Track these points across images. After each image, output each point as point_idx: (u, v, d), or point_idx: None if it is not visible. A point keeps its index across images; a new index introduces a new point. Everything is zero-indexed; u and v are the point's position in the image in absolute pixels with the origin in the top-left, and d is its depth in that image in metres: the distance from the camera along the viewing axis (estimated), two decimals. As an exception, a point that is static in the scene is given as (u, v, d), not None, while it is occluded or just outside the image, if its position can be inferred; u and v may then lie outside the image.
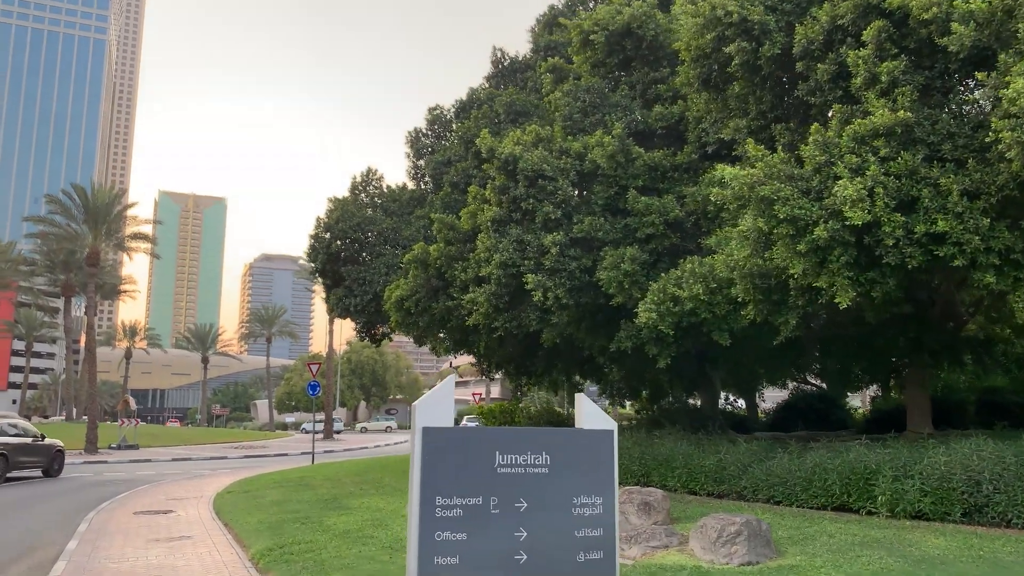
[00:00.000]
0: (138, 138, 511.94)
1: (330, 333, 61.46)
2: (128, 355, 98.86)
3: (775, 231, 11.18)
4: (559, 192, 15.88)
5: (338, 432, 73.80)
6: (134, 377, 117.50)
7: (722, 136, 14.93)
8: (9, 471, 21.51)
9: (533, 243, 15.74)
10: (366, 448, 46.45)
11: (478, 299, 16.50)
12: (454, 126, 24.44)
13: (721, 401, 27.77)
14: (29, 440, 22.64)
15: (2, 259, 68.61)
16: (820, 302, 11.71)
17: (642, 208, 15.41)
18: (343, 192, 25.61)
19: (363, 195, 24.45)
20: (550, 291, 15.13)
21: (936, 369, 20.52)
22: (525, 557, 5.14)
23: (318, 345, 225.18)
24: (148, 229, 50.29)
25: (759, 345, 17.26)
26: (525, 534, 5.18)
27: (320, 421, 80.00)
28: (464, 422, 46.32)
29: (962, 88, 11.94)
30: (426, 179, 25.12)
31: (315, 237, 22.82)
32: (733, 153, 14.69)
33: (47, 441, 23.58)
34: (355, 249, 22.80)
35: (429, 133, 25.78)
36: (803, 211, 10.85)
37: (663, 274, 14.32)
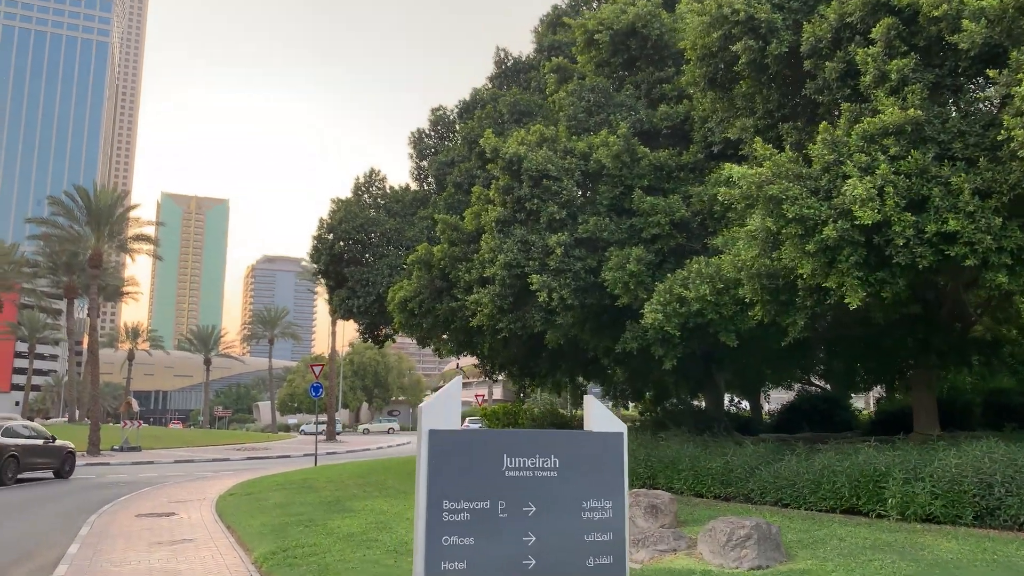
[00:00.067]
0: (141, 140, 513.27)
1: (332, 335, 61.39)
2: (131, 357, 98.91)
3: (783, 231, 11.06)
4: (564, 192, 15.77)
5: (338, 433, 73.69)
6: (136, 379, 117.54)
7: (728, 135, 14.81)
8: (21, 472, 21.71)
9: (538, 243, 15.62)
10: (368, 450, 46.35)
11: (482, 300, 16.39)
12: (457, 126, 24.34)
13: (725, 403, 27.65)
14: (40, 442, 22.81)
15: (5, 261, 68.63)
16: (829, 303, 11.58)
17: (648, 208, 15.29)
18: (346, 193, 25.57)
19: (366, 196, 24.36)
20: (555, 292, 15.02)
21: (943, 370, 20.38)
22: (534, 562, 5.05)
23: (320, 347, 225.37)
24: (150, 230, 50.32)
25: (765, 346, 17.13)
26: (534, 538, 5.09)
27: (321, 423, 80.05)
28: (467, 424, 46.22)
29: (972, 86, 11.81)
30: (429, 180, 25.02)
31: (318, 238, 22.72)
32: (740, 153, 14.57)
33: (58, 443, 23.74)
34: (358, 250, 22.70)
35: (432, 134, 25.68)
36: (812, 211, 10.73)
37: (669, 275, 14.19)
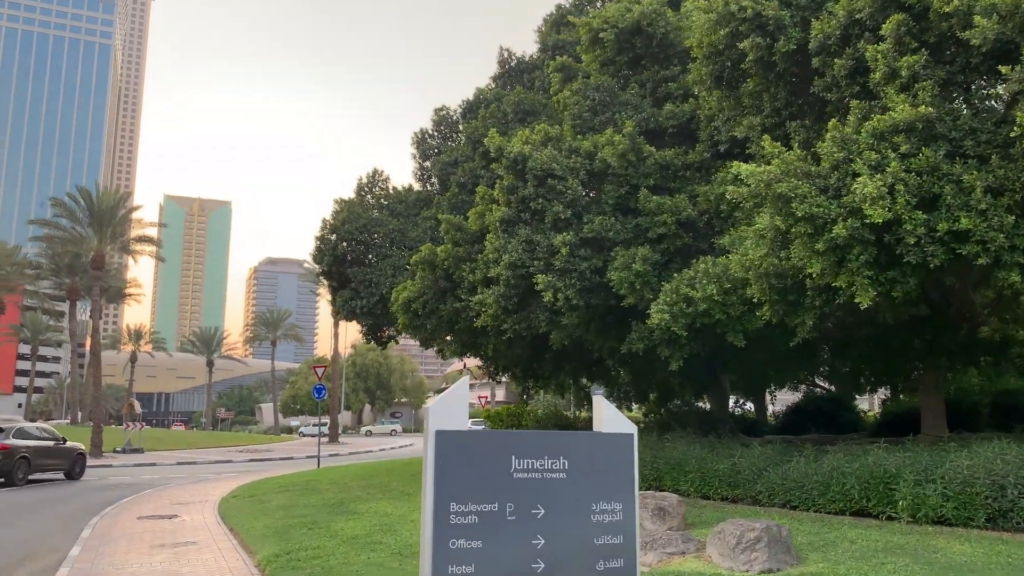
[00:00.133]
0: (143, 142, 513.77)
1: (335, 336, 61.32)
2: (133, 359, 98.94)
3: (792, 229, 10.93)
4: (569, 191, 15.64)
5: (340, 435, 73.59)
6: (139, 381, 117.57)
7: (735, 134, 14.67)
8: (31, 473, 21.97)
9: (542, 243, 15.50)
10: (371, 451, 46.24)
11: (486, 300, 16.26)
12: (461, 127, 24.24)
13: (730, 404, 27.50)
14: (51, 443, 23.11)
15: (7, 262, 68.65)
16: (838, 302, 11.45)
17: (654, 207, 15.16)
18: (348, 194, 25.44)
19: (369, 196, 24.25)
20: (560, 292, 14.89)
21: (951, 371, 20.23)
22: (543, 566, 4.94)
23: (323, 348, 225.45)
24: (153, 232, 50.25)
25: (772, 347, 16.99)
26: (543, 542, 4.99)
27: (320, 424, 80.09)
28: (470, 426, 46.02)
29: (984, 82, 11.68)
30: (432, 180, 24.92)
31: (321, 239, 22.62)
32: (747, 152, 14.44)
33: (68, 444, 24.09)
34: (361, 251, 22.58)
35: (435, 134, 25.59)
36: (821, 209, 10.59)
37: (675, 274, 14.07)
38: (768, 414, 31.50)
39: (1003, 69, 10.08)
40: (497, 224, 16.35)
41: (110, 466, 31.65)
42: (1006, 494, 10.20)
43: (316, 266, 24.29)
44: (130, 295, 75.30)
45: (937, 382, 17.71)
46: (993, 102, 11.47)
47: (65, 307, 74.93)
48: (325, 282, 27.12)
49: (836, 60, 11.90)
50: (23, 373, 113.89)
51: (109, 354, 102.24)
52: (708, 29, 13.48)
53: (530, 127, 17.80)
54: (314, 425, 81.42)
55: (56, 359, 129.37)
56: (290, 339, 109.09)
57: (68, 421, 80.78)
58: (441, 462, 4.77)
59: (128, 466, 32.06)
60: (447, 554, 4.64)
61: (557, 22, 24.37)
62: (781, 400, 36.90)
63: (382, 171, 25.00)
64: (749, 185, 11.24)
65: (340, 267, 22.54)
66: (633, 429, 5.64)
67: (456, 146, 23.84)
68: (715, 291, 13.02)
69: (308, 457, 37.15)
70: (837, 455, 12.83)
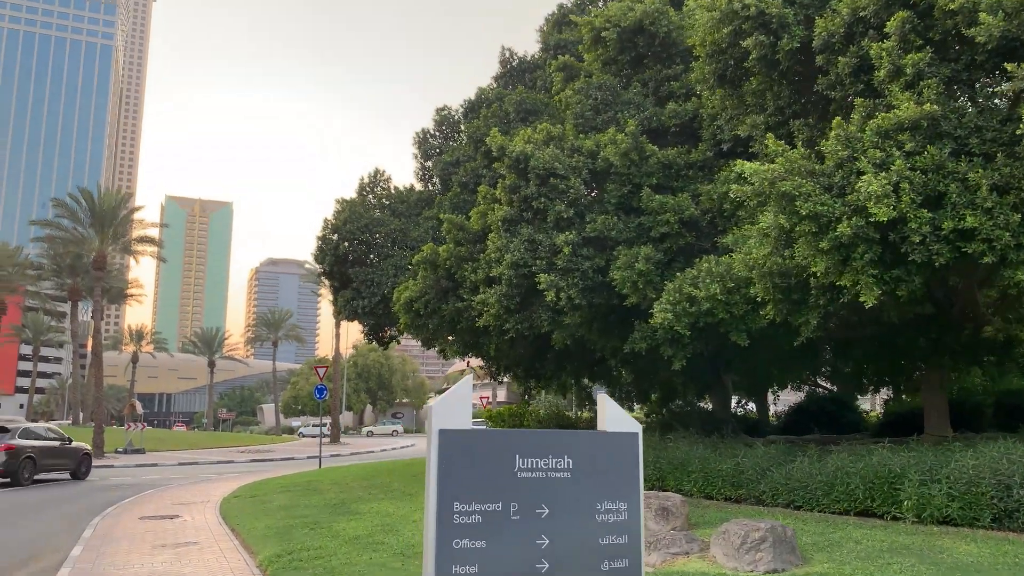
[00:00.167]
0: (144, 143, 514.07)
1: (336, 336, 61.26)
2: (134, 359, 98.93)
3: (797, 228, 10.88)
4: (571, 191, 15.59)
5: (342, 435, 73.55)
6: (140, 381, 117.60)
7: (738, 133, 14.61)
8: (37, 473, 22.17)
9: (545, 242, 15.45)
10: (372, 452, 46.20)
11: (489, 300, 16.21)
12: (462, 126, 24.18)
13: (732, 404, 27.42)
14: (57, 443, 23.29)
15: (9, 263, 68.64)
16: (842, 301, 11.39)
17: (656, 206, 15.11)
18: (349, 195, 25.36)
19: (371, 196, 24.19)
20: (563, 291, 14.84)
21: (955, 371, 20.16)
22: (547, 565, 4.89)
23: (324, 349, 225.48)
24: (154, 232, 50.17)
25: (775, 347, 16.94)
26: (547, 542, 4.93)
27: (320, 425, 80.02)
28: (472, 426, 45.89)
29: (989, 80, 11.62)
30: (434, 180, 24.87)
31: (322, 239, 22.56)
32: (750, 150, 14.38)
33: (74, 444, 24.33)
34: (363, 250, 22.53)
35: (437, 134, 25.53)
36: (826, 207, 10.54)
37: (678, 274, 14.01)
38: (770, 414, 31.43)
39: (1009, 66, 10.02)
40: (499, 223, 16.29)
41: (112, 466, 31.60)
42: (1012, 494, 10.14)
43: (317, 266, 24.23)
44: (132, 296, 75.26)
45: (941, 382, 17.65)
46: (998, 100, 11.40)
47: (67, 308, 74.86)
48: (327, 282, 27.03)
49: (840, 58, 11.84)
50: (25, 374, 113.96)
51: (111, 355, 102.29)
52: (711, 27, 13.42)
53: (532, 126, 17.75)
54: (314, 426, 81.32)
55: (58, 360, 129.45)
56: (291, 340, 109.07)
57: (70, 422, 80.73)
58: (444, 461, 4.73)
59: (130, 466, 32.02)
60: (451, 554, 4.60)
61: (559, 21, 24.31)
62: (783, 401, 36.80)
63: (384, 171, 24.94)
64: (753, 183, 11.19)
65: (342, 267, 22.49)
66: (638, 428, 5.59)
67: (458, 146, 23.79)
68: (718, 290, 12.96)
69: (309, 458, 37.10)
70: (841, 455, 12.78)
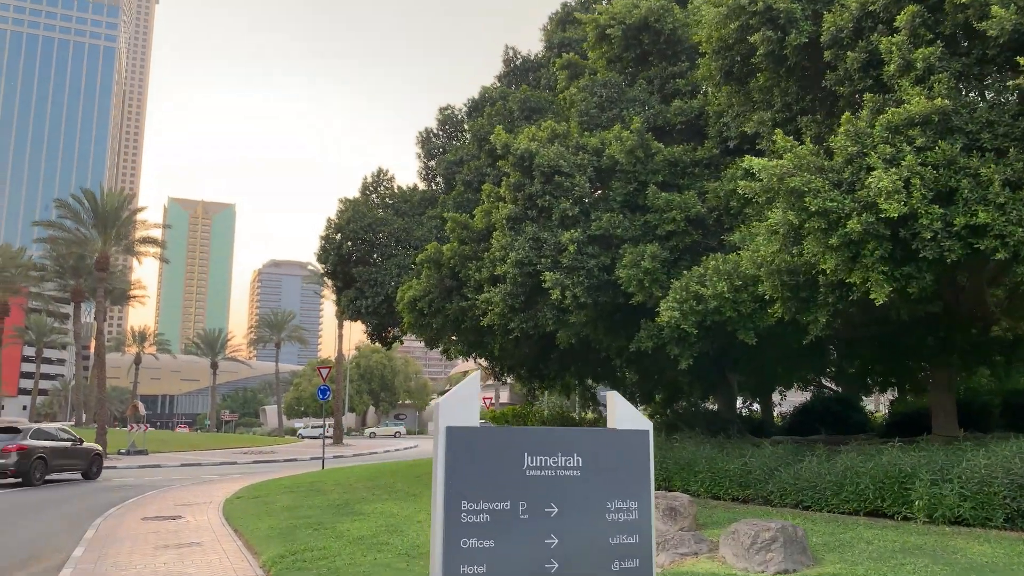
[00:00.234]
0: (147, 145, 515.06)
1: (339, 338, 61.19)
2: (137, 361, 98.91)
3: (806, 224, 10.74)
4: (576, 188, 15.46)
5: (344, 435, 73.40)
6: (143, 383, 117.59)
7: (745, 130, 14.48)
8: (48, 473, 22.38)
9: (550, 241, 15.32)
10: (375, 453, 46.09)
11: (493, 299, 16.09)
12: (466, 125, 24.09)
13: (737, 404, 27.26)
14: (68, 444, 23.53)
15: (12, 264, 68.66)
16: (852, 299, 11.25)
17: (662, 204, 14.98)
18: (351, 195, 25.23)
19: (374, 196, 24.10)
20: (568, 290, 14.71)
21: (963, 370, 20.00)
22: (556, 565, 4.81)
23: (327, 350, 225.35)
24: (157, 233, 50.12)
25: (782, 346, 16.79)
26: (556, 541, 4.85)
27: (320, 426, 79.91)
28: (474, 427, 45.72)
29: (1000, 75, 11.47)
30: (437, 180, 24.77)
31: (326, 238, 22.47)
32: (757, 147, 14.24)
33: (85, 445, 24.59)
34: (366, 250, 22.44)
35: (440, 133, 25.45)
36: (835, 203, 10.40)
37: (685, 272, 13.88)
38: (775, 415, 31.26)
39: (1021, 60, 9.88)
40: (504, 222, 16.17)
41: (114, 468, 31.51)
42: (1025, 493, 10.00)
43: (320, 266, 24.14)
44: (134, 297, 75.19)
45: (949, 381, 17.48)
46: (1010, 95, 11.25)
47: (70, 309, 74.78)
48: (330, 282, 26.95)
49: (849, 53, 11.71)
50: (28, 375, 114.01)
51: (113, 356, 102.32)
52: (718, 23, 13.31)
53: (537, 124, 17.64)
54: (314, 427, 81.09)
55: (60, 361, 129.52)
56: (294, 341, 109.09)
57: (72, 423, 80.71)
58: (452, 459, 4.64)
59: (132, 468, 31.94)
60: (458, 554, 4.52)
61: (563, 20, 24.21)
62: (787, 402, 36.64)
63: (387, 170, 24.85)
64: (761, 180, 11.05)
65: (345, 267, 22.39)
66: (648, 426, 5.50)
67: (461, 145, 23.69)
68: (726, 288, 12.83)
69: (312, 459, 37.00)
70: (850, 455, 12.64)
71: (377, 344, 25.74)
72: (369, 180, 24.38)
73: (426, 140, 25.27)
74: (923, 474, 10.96)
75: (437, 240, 20.20)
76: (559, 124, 16.96)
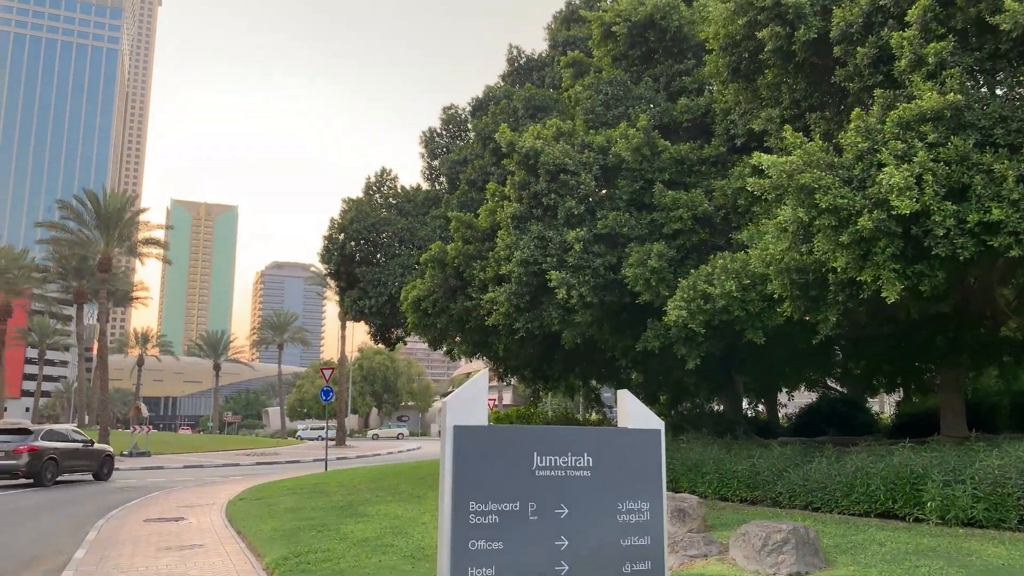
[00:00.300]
0: (150, 147, 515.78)
1: (342, 339, 61.06)
2: (140, 362, 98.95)
3: (816, 222, 10.59)
4: (582, 187, 15.32)
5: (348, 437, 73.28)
6: (146, 384, 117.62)
7: (752, 127, 14.33)
8: (60, 474, 22.57)
9: (555, 240, 15.18)
10: (379, 455, 45.96)
11: (498, 298, 15.95)
12: (470, 124, 23.97)
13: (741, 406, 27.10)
14: (80, 445, 23.69)
15: (15, 266, 68.62)
16: (862, 297, 11.09)
17: (669, 202, 14.83)
18: (354, 196, 25.10)
19: (377, 195, 23.98)
20: (574, 289, 14.56)
21: (972, 370, 19.83)
22: (567, 568, 4.72)
23: (329, 352, 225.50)
24: (160, 234, 50.18)
25: (789, 346, 16.65)
26: (566, 543, 4.74)
27: (319, 428, 79.81)
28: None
29: (1013, 69, 11.31)
30: (441, 179, 24.65)
31: (329, 238, 22.35)
32: (765, 145, 14.09)
33: (96, 446, 24.76)
34: (369, 250, 22.31)
35: (444, 133, 25.33)
36: (846, 200, 10.25)
37: (692, 271, 13.73)
38: (780, 416, 31.08)
39: (1035, 55, 9.74)
40: (509, 220, 16.03)
41: (117, 469, 31.25)
42: (1040, 495, 9.84)
43: (323, 266, 24.01)
44: (137, 298, 75.17)
45: (958, 382, 17.33)
46: (1023, 90, 11.10)
47: (72, 311, 74.80)
48: (332, 283, 26.84)
49: (859, 48, 11.56)
50: (30, 377, 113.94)
51: (116, 358, 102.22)
52: (726, 19, 13.17)
53: (542, 122, 17.50)
54: (312, 429, 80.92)
55: (63, 363, 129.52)
56: (297, 343, 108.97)
57: (75, 425, 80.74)
58: (460, 459, 4.54)
59: (135, 469, 31.83)
60: (466, 556, 4.42)
61: (567, 18, 24.09)
62: (792, 403, 36.45)
63: (390, 170, 24.73)
64: (771, 176, 10.91)
65: (348, 267, 22.27)
66: (660, 425, 5.40)
67: (465, 144, 23.57)
68: (734, 287, 12.68)
69: (315, 460, 36.89)
70: (860, 455, 12.49)
71: (380, 345, 25.62)
72: (372, 180, 24.28)
73: (429, 140, 25.16)
74: (935, 475, 10.80)
75: (441, 240, 20.07)
76: (564, 122, 16.83)
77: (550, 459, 4.81)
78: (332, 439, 57.46)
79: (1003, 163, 9.89)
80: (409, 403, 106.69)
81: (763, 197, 11.74)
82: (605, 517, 4.89)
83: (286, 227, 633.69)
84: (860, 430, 25.13)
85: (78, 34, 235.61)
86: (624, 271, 14.47)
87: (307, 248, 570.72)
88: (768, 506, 13.14)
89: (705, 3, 17.37)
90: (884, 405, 56.77)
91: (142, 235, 48.15)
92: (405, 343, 26.46)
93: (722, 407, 24.85)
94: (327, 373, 33.21)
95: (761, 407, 30.97)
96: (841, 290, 11.31)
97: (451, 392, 5.03)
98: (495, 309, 16.35)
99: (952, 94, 10.06)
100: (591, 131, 16.59)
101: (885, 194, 9.91)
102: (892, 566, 8.34)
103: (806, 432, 25.07)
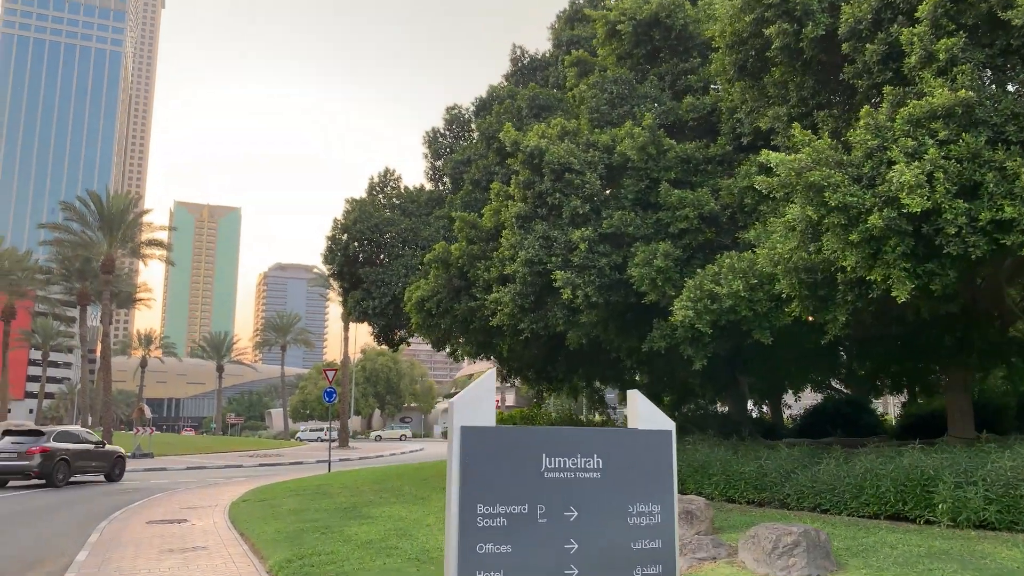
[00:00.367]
0: (154, 150, 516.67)
1: (345, 340, 60.97)
2: (143, 364, 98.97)
3: (825, 220, 10.46)
4: (587, 186, 15.20)
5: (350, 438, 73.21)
6: (149, 386, 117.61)
7: (759, 126, 14.19)
8: (72, 475, 22.85)
9: (560, 239, 15.06)
10: (382, 456, 45.86)
11: (502, 299, 15.83)
12: (473, 124, 23.88)
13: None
14: (91, 446, 24.01)
15: (19, 268, 68.63)
16: (872, 297, 10.95)
17: (675, 202, 14.70)
18: (357, 196, 25.02)
19: (381, 196, 23.89)
20: (579, 289, 14.43)
21: (980, 371, 19.67)
22: (576, 571, 4.63)
23: (332, 354, 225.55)
24: (163, 236, 50.17)
25: (795, 346, 16.52)
26: (576, 546, 4.65)
27: (318, 429, 79.69)
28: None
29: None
30: (444, 179, 24.56)
31: (332, 238, 22.25)
32: (771, 143, 13.96)
33: (108, 447, 25.12)
34: (373, 250, 22.22)
35: (447, 133, 25.24)
36: (856, 198, 10.11)
37: (699, 270, 13.60)
38: (784, 417, 30.94)
39: (1047, 51, 9.61)
40: (513, 220, 15.92)
41: (119, 470, 31.31)
42: (1054, 497, 9.71)
43: (327, 267, 23.91)
44: (140, 300, 75.15)
45: (966, 382, 17.17)
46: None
47: (75, 312, 74.78)
48: (336, 284, 26.73)
49: (868, 45, 11.43)
50: (34, 379, 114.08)
51: (119, 359, 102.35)
52: (732, 17, 13.06)
53: (546, 122, 17.39)
54: (312, 431, 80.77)
55: (67, 365, 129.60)
56: (300, 344, 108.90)
57: (80, 426, 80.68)
58: (467, 460, 4.44)
59: (138, 471, 31.74)
60: (474, 559, 4.33)
61: (571, 17, 23.98)
62: (796, 404, 36.29)
63: (394, 170, 24.64)
64: (779, 174, 10.78)
65: (352, 267, 22.17)
66: (671, 425, 5.30)
67: (469, 144, 23.47)
68: (741, 287, 12.55)
69: (318, 462, 36.79)
70: (869, 457, 12.35)
71: (383, 346, 25.54)
72: (376, 180, 24.19)
73: (433, 140, 25.07)
74: (946, 477, 10.67)
75: (445, 240, 19.96)
76: (569, 121, 16.71)
77: (559, 460, 4.73)
78: (334, 440, 57.36)
79: (1015, 160, 9.75)
80: (412, 404, 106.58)
81: (771, 195, 11.60)
82: (615, 520, 4.81)
83: (289, 228, 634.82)
84: (865, 431, 24.99)
85: (81, 36, 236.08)
86: (630, 271, 14.35)
87: (310, 249, 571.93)
88: (776, 508, 13.00)
89: (711, 1, 17.26)
90: (888, 406, 56.58)
91: (145, 236, 48.14)
92: (408, 344, 26.35)
93: (727, 408, 24.73)
94: (330, 374, 33.10)
95: (765, 408, 30.84)
96: (850, 290, 11.18)
97: (455, 392, 4.95)
98: (499, 309, 16.24)
99: (963, 90, 9.92)
100: (596, 130, 16.47)
101: (895, 192, 9.77)
102: (905, 569, 8.20)
103: (811, 433, 24.92)
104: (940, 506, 10.52)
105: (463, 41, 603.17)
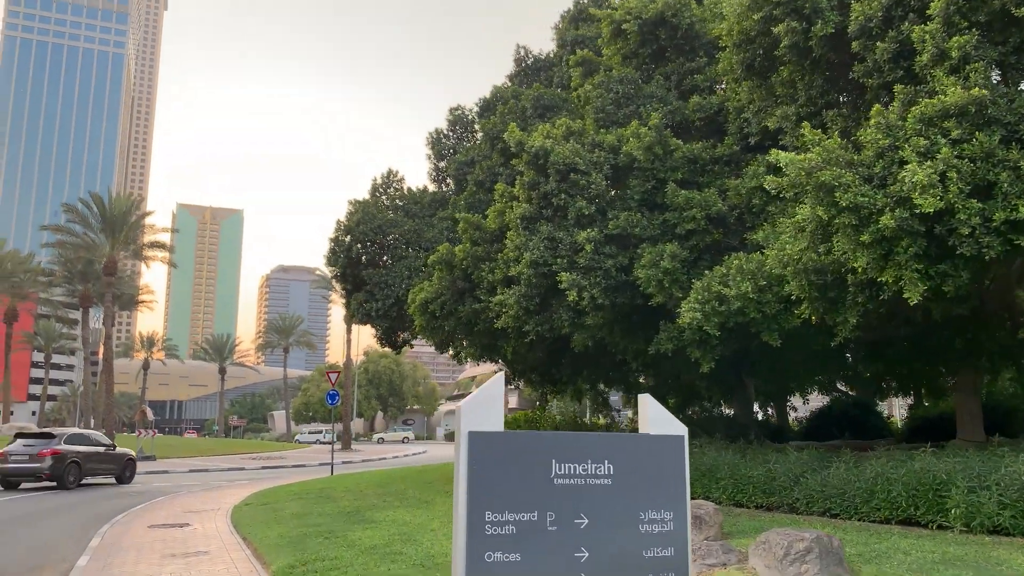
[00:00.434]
0: (156, 152, 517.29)
1: (348, 342, 60.93)
2: (145, 366, 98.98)
3: (835, 221, 10.31)
4: (592, 186, 15.06)
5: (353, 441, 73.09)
6: (151, 388, 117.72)
7: (767, 125, 14.05)
8: (83, 477, 23.02)
9: (565, 240, 14.91)
10: (384, 459, 45.72)
11: (507, 301, 15.69)
12: (477, 125, 23.76)
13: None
14: (102, 449, 24.16)
15: (21, 269, 68.63)
16: (883, 298, 10.79)
17: (682, 202, 14.56)
18: (361, 198, 24.90)
19: (384, 197, 23.78)
20: (585, 291, 14.28)
21: (990, 373, 19.50)
22: None
23: (335, 356, 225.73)
24: (165, 238, 50.11)
25: (802, 348, 16.35)
26: (587, 554, 4.54)
27: (317, 431, 79.52)
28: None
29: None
30: (448, 180, 24.45)
31: (335, 240, 22.13)
32: (780, 143, 13.81)
33: (118, 450, 25.27)
34: (376, 252, 22.10)
35: (451, 134, 25.13)
36: (867, 199, 9.96)
37: (706, 272, 13.45)
38: (790, 420, 30.76)
39: (1062, 48, 9.46)
40: (518, 221, 15.77)
41: (122, 473, 31.20)
42: (1070, 502, 9.54)
43: (329, 269, 23.80)
44: (143, 302, 75.08)
45: (975, 385, 17.02)
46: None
47: (78, 314, 74.77)
48: (338, 286, 26.62)
49: (878, 43, 11.29)
50: (36, 381, 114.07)
51: (122, 362, 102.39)
52: (740, 15, 12.92)
53: (551, 122, 17.26)
54: (310, 433, 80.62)
55: (69, 367, 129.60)
56: (302, 346, 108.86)
57: (82, 427, 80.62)
58: (475, 466, 4.32)
59: (140, 473, 31.58)
60: (482, 568, 4.23)
61: (575, 17, 23.86)
62: (802, 407, 36.11)
63: (397, 172, 24.55)
64: (789, 174, 10.63)
65: (355, 269, 22.05)
66: (683, 430, 5.17)
67: (472, 145, 23.36)
68: (750, 288, 12.40)
69: (321, 464, 36.67)
70: (879, 460, 12.19)
71: (386, 348, 25.42)
72: (379, 181, 24.09)
73: (436, 141, 24.96)
74: (959, 481, 10.50)
75: (448, 241, 19.83)
76: (574, 122, 16.58)
77: (569, 467, 4.63)
78: (333, 442, 57.20)
79: (1030, 159, 9.59)
80: (415, 406, 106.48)
81: (780, 196, 11.45)
82: (627, 527, 4.71)
83: (292, 230, 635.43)
84: (872, 434, 24.84)
85: (84, 39, 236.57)
86: (636, 272, 14.21)
87: (313, 251, 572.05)
88: (785, 512, 12.84)
89: (717, 0, 17.12)
90: (894, 408, 56.32)
91: (147, 238, 48.09)
92: (411, 346, 26.22)
93: (732, 411, 24.55)
94: (333, 376, 32.98)
95: (771, 410, 30.65)
96: (861, 291, 11.03)
97: (458, 394, 4.81)
98: (504, 311, 16.09)
99: (977, 89, 9.77)
100: (601, 130, 16.34)
101: (908, 192, 9.62)
102: (920, 576, 8.05)
103: (818, 436, 24.75)
104: (953, 511, 10.36)
105: (464, 41, 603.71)
